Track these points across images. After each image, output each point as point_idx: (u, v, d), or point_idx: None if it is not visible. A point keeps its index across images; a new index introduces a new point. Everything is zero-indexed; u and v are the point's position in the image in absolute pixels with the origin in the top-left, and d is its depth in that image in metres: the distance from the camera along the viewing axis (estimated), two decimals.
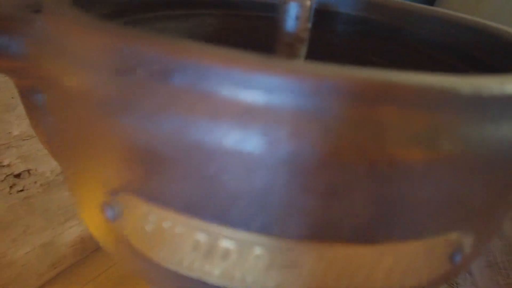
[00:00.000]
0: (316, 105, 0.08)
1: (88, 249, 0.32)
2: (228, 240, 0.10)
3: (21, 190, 0.26)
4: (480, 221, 0.11)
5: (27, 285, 0.28)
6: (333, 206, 0.09)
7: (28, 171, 0.26)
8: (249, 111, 0.08)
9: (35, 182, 0.27)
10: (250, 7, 0.22)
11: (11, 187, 0.25)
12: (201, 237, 0.10)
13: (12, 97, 0.24)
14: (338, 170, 0.09)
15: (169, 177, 0.10)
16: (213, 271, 0.11)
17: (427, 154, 0.09)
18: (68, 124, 0.12)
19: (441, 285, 0.12)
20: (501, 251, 0.29)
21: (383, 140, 0.08)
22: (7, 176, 0.25)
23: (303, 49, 0.19)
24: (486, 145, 0.09)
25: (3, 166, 0.25)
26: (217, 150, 0.09)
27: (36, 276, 0.28)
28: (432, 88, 0.08)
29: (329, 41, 0.23)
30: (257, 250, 0.10)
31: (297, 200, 0.09)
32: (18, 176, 0.26)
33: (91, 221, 0.13)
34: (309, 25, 0.17)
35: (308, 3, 0.16)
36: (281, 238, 0.10)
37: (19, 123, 0.25)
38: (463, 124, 0.09)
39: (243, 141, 0.08)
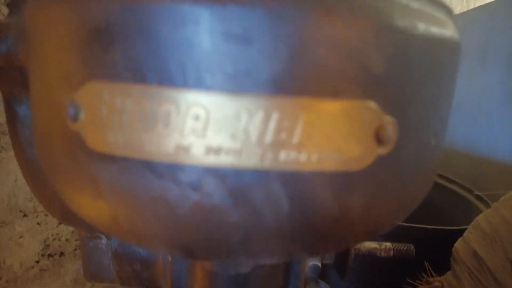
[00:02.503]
0: None
1: None
2: (169, 103, 0.12)
3: None
4: (398, 100, 0.13)
5: None
6: (249, 53, 0.11)
7: None
8: None
9: (0, 278, 0.26)
10: None
11: None
12: (148, 104, 0.12)
13: None
14: (251, 17, 0.11)
15: (120, 50, 0.12)
16: (156, 140, 0.12)
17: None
18: (43, 55, 0.14)
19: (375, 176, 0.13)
20: None
21: None
22: None
23: None
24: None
25: None
26: (158, 14, 0.11)
27: None
28: None
29: None
30: (195, 108, 0.11)
31: (220, 48, 0.11)
32: None
33: (50, 131, 0.14)
34: None
35: None
36: (214, 91, 0.11)
37: None
38: None
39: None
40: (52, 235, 0.73)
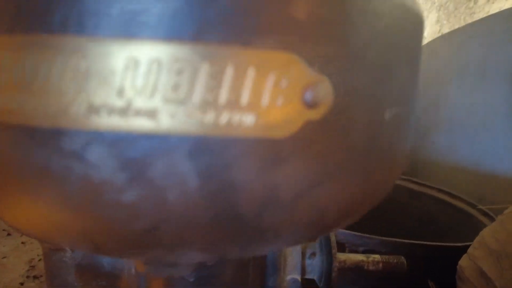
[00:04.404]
0: None
1: None
2: (48, 51, 0.10)
3: None
4: (331, 55, 0.11)
5: None
6: None
7: None
8: None
9: None
10: None
11: None
12: (24, 55, 0.10)
13: None
14: None
15: None
16: (35, 99, 0.10)
17: None
18: None
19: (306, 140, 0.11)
20: None
21: None
22: None
23: None
24: None
25: None
26: None
27: None
28: None
29: None
30: (74, 58, 0.10)
31: None
32: None
33: None
34: None
35: None
36: (96, 38, 0.09)
37: None
38: None
39: None
40: (37, 255, 0.70)
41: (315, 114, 0.11)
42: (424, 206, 0.76)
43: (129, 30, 0.09)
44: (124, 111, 0.09)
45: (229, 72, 0.10)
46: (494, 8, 1.24)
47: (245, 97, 0.10)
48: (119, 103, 0.09)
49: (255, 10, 0.10)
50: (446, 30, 1.21)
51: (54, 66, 0.10)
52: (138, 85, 0.09)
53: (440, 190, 0.76)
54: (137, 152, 0.10)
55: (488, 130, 0.83)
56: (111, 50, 0.09)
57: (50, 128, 0.10)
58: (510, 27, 0.76)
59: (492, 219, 0.61)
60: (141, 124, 0.10)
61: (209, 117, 0.10)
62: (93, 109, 0.10)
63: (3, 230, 0.59)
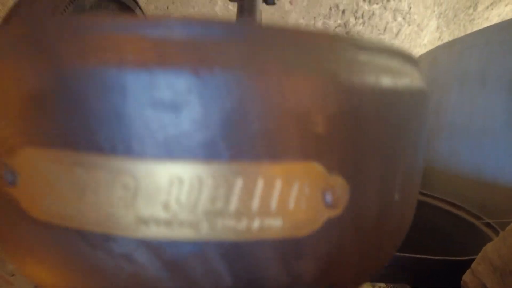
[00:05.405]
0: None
1: None
2: (99, 169, 0.11)
3: None
4: (347, 159, 0.12)
5: None
6: (179, 119, 0.11)
7: None
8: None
9: None
10: None
11: None
12: (77, 171, 0.11)
13: None
14: (179, 83, 0.10)
15: (52, 117, 0.11)
16: (88, 209, 0.11)
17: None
18: None
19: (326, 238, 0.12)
20: None
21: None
22: None
23: None
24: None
25: None
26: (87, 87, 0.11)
27: None
28: None
29: None
30: (123, 177, 0.11)
31: (147, 115, 0.11)
32: None
33: None
34: None
35: None
36: (142, 159, 0.11)
37: None
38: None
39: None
40: None
41: (334, 212, 0.12)
42: (426, 216, 0.77)
43: (173, 153, 0.11)
44: (169, 223, 0.11)
45: (259, 185, 0.11)
46: (494, 14, 1.25)
47: (273, 204, 0.11)
48: (165, 215, 0.11)
49: (281, 131, 0.11)
50: (446, 36, 1.22)
51: (104, 183, 0.11)
52: (182, 200, 0.11)
53: (442, 200, 0.77)
54: (179, 255, 0.11)
55: (489, 137, 0.84)
56: (157, 170, 0.11)
57: (101, 233, 0.11)
58: (508, 39, 0.77)
59: (495, 230, 0.62)
60: (184, 233, 0.11)
61: (242, 224, 0.11)
62: (141, 221, 0.11)
63: None
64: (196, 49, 0.11)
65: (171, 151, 0.11)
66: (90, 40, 0.11)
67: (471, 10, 1.20)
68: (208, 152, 0.11)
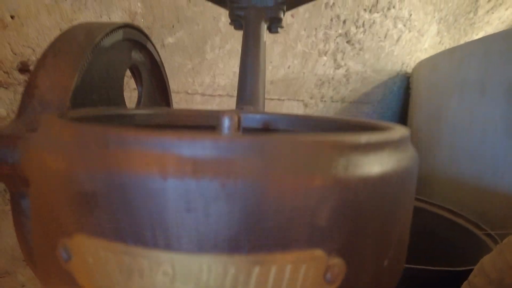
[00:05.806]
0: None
1: None
2: (144, 259, 0.14)
3: None
4: (344, 242, 0.15)
5: None
6: (208, 221, 0.13)
7: None
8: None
9: None
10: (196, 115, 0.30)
11: None
12: (125, 259, 0.14)
13: None
14: (209, 192, 0.13)
15: (104, 213, 0.14)
16: None
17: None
18: (41, 197, 0.17)
19: None
20: None
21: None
22: None
23: None
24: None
25: None
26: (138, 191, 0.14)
27: None
28: None
29: None
30: (164, 266, 0.14)
31: (183, 218, 0.13)
32: None
33: (44, 265, 0.16)
34: (240, 133, 0.23)
35: (236, 117, 0.23)
36: (179, 252, 0.13)
37: None
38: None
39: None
40: None
41: (333, 286, 0.15)
42: (426, 223, 0.80)
43: (204, 247, 0.13)
44: None
45: (272, 271, 0.14)
46: (494, 18, 1.26)
47: (284, 286, 0.14)
48: None
49: (291, 226, 0.14)
50: (446, 40, 1.23)
51: (148, 270, 0.14)
52: (210, 285, 0.13)
53: (442, 207, 0.79)
54: None
55: (488, 145, 0.86)
56: (191, 261, 0.13)
57: None
58: (507, 48, 0.79)
59: (493, 239, 0.64)
60: None
61: None
62: None
63: (23, 261, 0.63)
64: (223, 165, 0.13)
65: (202, 246, 0.13)
66: (138, 152, 0.14)
67: (471, 15, 1.21)
68: (231, 247, 0.13)
